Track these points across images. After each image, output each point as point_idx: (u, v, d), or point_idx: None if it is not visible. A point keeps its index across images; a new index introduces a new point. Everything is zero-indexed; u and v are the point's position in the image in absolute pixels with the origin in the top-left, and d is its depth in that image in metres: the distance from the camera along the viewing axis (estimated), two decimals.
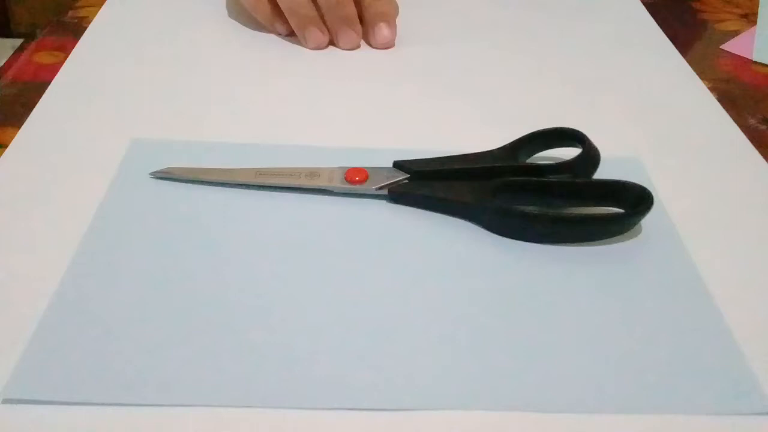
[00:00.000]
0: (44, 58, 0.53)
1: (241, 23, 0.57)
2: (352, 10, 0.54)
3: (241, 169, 0.41)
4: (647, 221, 0.38)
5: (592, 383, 0.31)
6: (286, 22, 0.54)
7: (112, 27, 0.56)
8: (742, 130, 0.48)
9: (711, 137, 0.47)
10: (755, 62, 0.57)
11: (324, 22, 0.54)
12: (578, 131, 0.41)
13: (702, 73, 0.54)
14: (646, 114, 0.49)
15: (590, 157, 0.41)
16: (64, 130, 0.44)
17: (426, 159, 0.41)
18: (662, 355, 0.32)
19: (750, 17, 0.63)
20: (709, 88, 0.52)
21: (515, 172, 0.40)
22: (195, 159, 0.42)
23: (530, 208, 0.38)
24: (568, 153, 0.41)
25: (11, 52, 0.55)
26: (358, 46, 0.55)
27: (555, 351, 0.32)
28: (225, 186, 0.40)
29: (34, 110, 0.46)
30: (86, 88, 0.48)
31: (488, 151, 0.42)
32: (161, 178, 0.40)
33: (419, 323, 0.33)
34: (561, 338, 0.33)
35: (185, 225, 0.38)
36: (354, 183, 0.40)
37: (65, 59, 0.51)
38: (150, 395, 0.29)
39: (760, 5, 0.57)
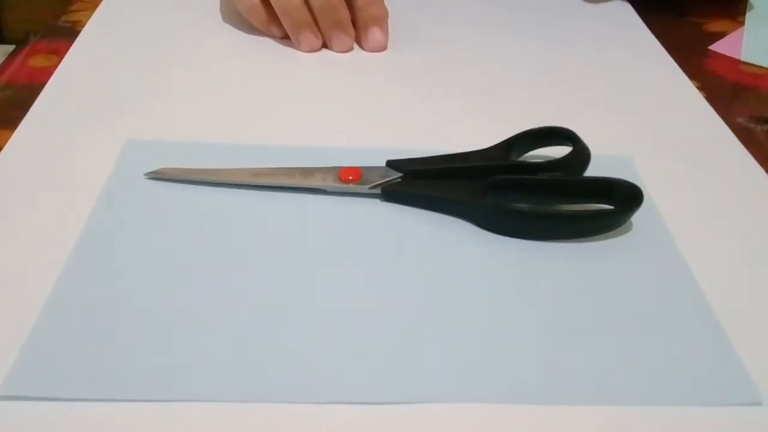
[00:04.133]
0: (38, 61, 0.53)
1: (234, 26, 0.57)
2: (345, 14, 0.54)
3: (235, 169, 0.41)
4: (637, 218, 0.39)
5: (583, 377, 0.31)
6: (280, 25, 0.55)
7: (105, 30, 0.56)
8: (731, 129, 0.48)
9: (700, 136, 0.48)
10: (743, 62, 0.57)
11: (317, 26, 0.54)
12: (569, 130, 0.42)
13: (691, 73, 0.54)
14: (636, 113, 0.50)
15: (581, 155, 0.41)
16: (58, 133, 0.44)
17: (419, 158, 0.42)
18: (652, 348, 0.33)
19: (738, 18, 0.63)
20: (697, 88, 0.53)
21: (507, 170, 0.41)
22: (189, 160, 0.42)
23: (522, 206, 0.39)
24: (559, 151, 0.42)
25: (4, 57, 0.55)
26: (351, 49, 0.55)
27: (546, 346, 0.33)
28: (219, 186, 0.41)
29: (29, 113, 0.46)
30: (80, 91, 0.49)
31: (481, 149, 0.42)
32: (156, 179, 0.41)
33: (414, 320, 0.33)
34: (552, 333, 0.33)
35: (180, 225, 0.38)
36: (347, 182, 0.40)
37: (59, 62, 0.52)
38: (146, 391, 0.30)
39: (747, 6, 0.58)
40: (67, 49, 0.53)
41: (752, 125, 0.50)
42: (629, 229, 0.39)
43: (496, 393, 0.31)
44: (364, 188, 0.40)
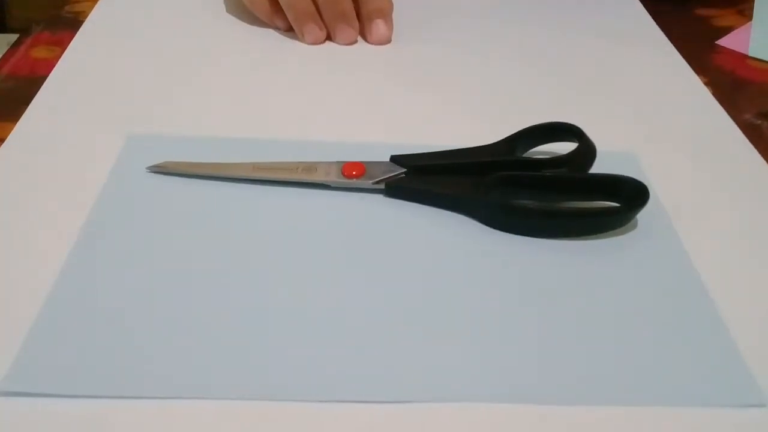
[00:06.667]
0: (41, 52, 0.53)
1: (238, 18, 0.57)
2: (349, 6, 0.54)
3: (237, 163, 0.41)
4: (643, 215, 0.39)
5: (587, 376, 0.31)
6: (284, 17, 0.54)
7: (108, 21, 0.56)
8: (738, 125, 0.48)
9: (707, 132, 0.47)
10: (751, 57, 0.57)
11: (321, 18, 0.54)
12: (575, 126, 0.41)
13: (698, 69, 0.54)
14: (643, 109, 0.49)
15: (587, 151, 0.41)
16: (60, 125, 0.44)
17: (423, 153, 0.41)
18: (657, 347, 0.32)
19: (745, 12, 0.63)
20: (704, 83, 0.52)
21: (512, 166, 0.40)
22: (192, 153, 0.42)
23: (527, 203, 0.38)
24: (564, 147, 0.41)
25: (6, 48, 0.55)
26: (355, 42, 0.55)
27: (550, 344, 0.32)
28: (222, 180, 0.40)
29: (31, 105, 0.46)
30: (83, 83, 0.48)
31: (485, 145, 0.42)
32: (158, 173, 0.41)
33: (416, 316, 0.33)
34: (556, 331, 0.33)
35: (182, 219, 0.38)
36: (351, 177, 0.40)
37: (62, 54, 0.51)
38: (147, 388, 0.30)
39: (755, 1, 0.57)
40: (70, 41, 0.53)
41: (759, 121, 0.49)
42: (635, 226, 0.39)
43: (497, 392, 0.30)
44: (368, 183, 0.40)
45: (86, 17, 0.56)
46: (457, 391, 0.30)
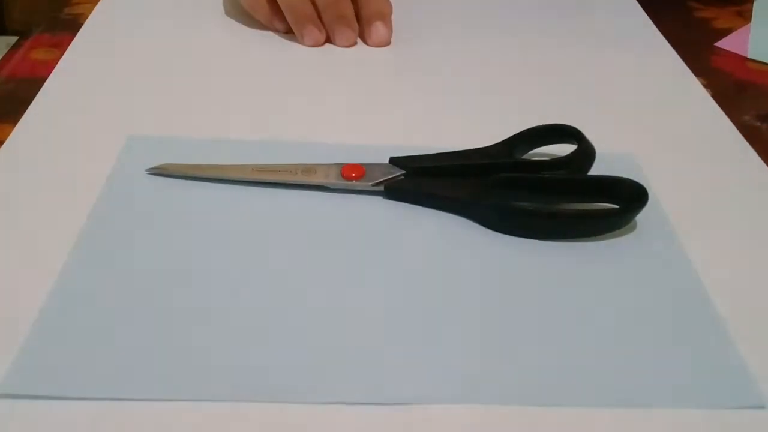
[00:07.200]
0: (40, 54, 0.53)
1: (237, 20, 0.57)
2: (348, 8, 0.54)
3: (237, 165, 0.41)
4: (642, 217, 0.39)
5: (587, 377, 0.31)
6: (284, 20, 0.54)
7: (108, 23, 0.56)
8: (737, 127, 0.48)
9: (706, 134, 0.47)
10: (750, 59, 0.57)
11: (321, 20, 0.54)
12: (574, 128, 0.42)
13: (697, 70, 0.54)
14: (642, 111, 0.49)
15: (586, 153, 0.41)
16: (60, 127, 0.44)
17: (422, 155, 0.41)
18: (656, 349, 0.32)
19: (744, 14, 0.63)
20: (704, 85, 0.52)
21: (511, 168, 0.40)
22: (191, 155, 0.42)
23: (526, 204, 0.38)
24: (563, 149, 0.41)
25: (6, 50, 0.55)
26: (355, 44, 0.55)
27: (549, 345, 0.32)
28: (221, 182, 0.40)
29: (30, 107, 0.46)
30: (82, 85, 0.48)
31: (484, 147, 0.42)
32: (157, 175, 0.41)
33: (415, 318, 0.33)
34: (555, 333, 0.33)
35: (181, 221, 0.38)
36: (350, 179, 0.40)
37: (61, 56, 0.51)
38: (146, 390, 0.30)
39: (754, 3, 0.57)
40: (70, 42, 0.53)
41: (758, 123, 0.49)
42: (633, 228, 0.39)
43: (496, 394, 0.30)
44: (367, 185, 0.40)
45: (86, 19, 0.56)
46: (456, 393, 0.30)
